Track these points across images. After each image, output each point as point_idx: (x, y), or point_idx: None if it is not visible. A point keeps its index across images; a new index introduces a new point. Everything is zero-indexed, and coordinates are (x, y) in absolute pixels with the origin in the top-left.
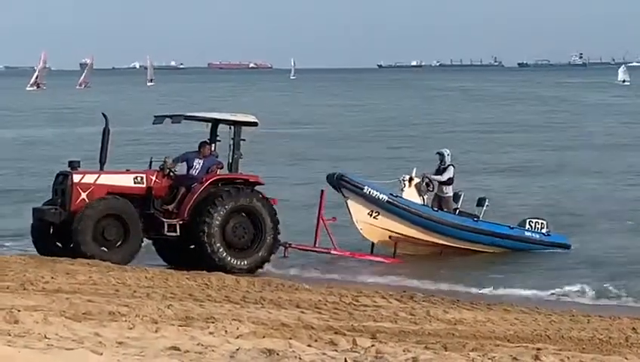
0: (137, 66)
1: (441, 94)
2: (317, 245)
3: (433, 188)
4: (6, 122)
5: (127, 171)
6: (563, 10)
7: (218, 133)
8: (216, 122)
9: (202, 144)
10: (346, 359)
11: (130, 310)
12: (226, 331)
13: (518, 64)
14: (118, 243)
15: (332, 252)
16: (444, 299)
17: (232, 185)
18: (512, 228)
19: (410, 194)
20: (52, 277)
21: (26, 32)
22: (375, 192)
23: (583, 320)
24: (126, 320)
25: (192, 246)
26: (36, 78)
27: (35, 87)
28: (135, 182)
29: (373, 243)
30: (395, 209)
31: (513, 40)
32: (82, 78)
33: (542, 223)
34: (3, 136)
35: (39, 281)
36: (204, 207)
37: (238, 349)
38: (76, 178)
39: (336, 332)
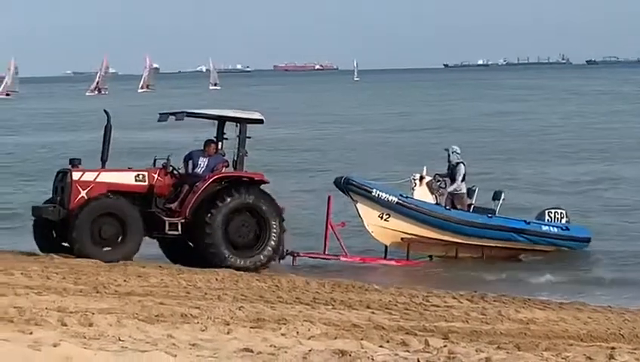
0: (203, 70)
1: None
2: (326, 252)
3: (445, 185)
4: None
5: (129, 169)
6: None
7: (225, 131)
8: (221, 119)
9: (207, 142)
10: (418, 359)
11: (201, 312)
12: (297, 332)
13: (587, 61)
14: (116, 243)
15: (342, 258)
16: (516, 298)
17: (236, 183)
18: (529, 222)
19: (422, 194)
20: (124, 280)
21: (93, 37)
22: (384, 194)
23: None
24: (198, 322)
25: (195, 245)
26: (97, 82)
27: (95, 92)
28: (137, 180)
29: (386, 247)
30: (405, 210)
31: (581, 37)
32: (143, 81)
33: (561, 213)
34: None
35: (111, 284)
36: (207, 205)
37: (310, 350)
38: (76, 175)
39: (407, 333)
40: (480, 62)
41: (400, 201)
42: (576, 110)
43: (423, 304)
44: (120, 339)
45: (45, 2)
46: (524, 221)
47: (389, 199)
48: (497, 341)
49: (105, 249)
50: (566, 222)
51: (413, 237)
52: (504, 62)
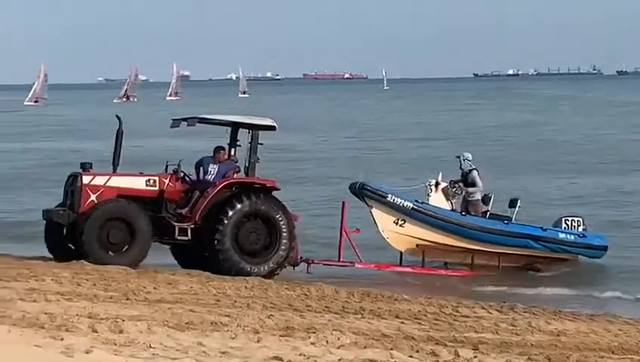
0: (233, 77)
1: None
2: (341, 258)
3: (461, 191)
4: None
5: (140, 174)
6: None
7: (239, 138)
8: (233, 126)
9: (217, 149)
10: None
11: (231, 320)
12: (327, 341)
13: (617, 72)
14: (125, 247)
15: (356, 265)
16: (546, 309)
17: (247, 189)
18: (545, 229)
19: (437, 200)
20: (154, 288)
21: (126, 45)
22: (399, 200)
23: None
24: (228, 330)
25: (205, 251)
26: (126, 90)
27: (124, 99)
28: (147, 185)
29: (401, 253)
30: (421, 216)
31: (612, 48)
32: (171, 89)
33: (578, 221)
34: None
35: (141, 291)
36: (217, 211)
37: (340, 360)
38: (86, 179)
39: (437, 343)
40: (510, 72)
41: (415, 207)
42: (607, 122)
43: (453, 314)
44: (151, 346)
45: (78, 7)
46: (541, 228)
47: (405, 205)
48: (528, 352)
49: (112, 253)
50: (583, 229)
51: (429, 243)
52: (535, 72)
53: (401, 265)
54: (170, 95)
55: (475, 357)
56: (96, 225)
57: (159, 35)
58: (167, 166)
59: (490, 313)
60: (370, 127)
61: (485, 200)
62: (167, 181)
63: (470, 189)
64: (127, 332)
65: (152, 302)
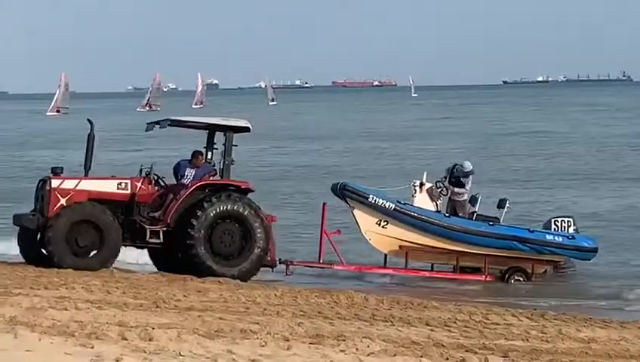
0: (262, 86)
1: None
2: (322, 260)
3: (447, 192)
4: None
5: (112, 177)
6: None
7: (215, 141)
8: (205, 128)
9: (195, 153)
10: None
11: (261, 327)
12: (357, 349)
13: None
14: (94, 251)
15: (335, 267)
16: (576, 316)
17: (221, 191)
18: (532, 231)
19: (422, 201)
20: (184, 295)
21: (154, 54)
22: (381, 200)
23: None
24: (258, 338)
25: (178, 253)
26: (148, 98)
27: (146, 108)
28: (119, 188)
29: (385, 255)
30: (403, 217)
31: None
32: (197, 97)
33: (568, 221)
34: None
35: (171, 299)
36: (189, 214)
37: None
38: (55, 183)
39: (467, 351)
40: (540, 78)
41: (398, 208)
42: None
43: (483, 321)
44: (180, 354)
45: (109, 16)
46: (528, 229)
47: (387, 205)
48: (558, 360)
49: (81, 256)
50: (574, 230)
51: (412, 245)
52: (564, 79)
53: (385, 266)
54: (196, 103)
55: None
56: (64, 229)
57: (190, 44)
58: (141, 169)
59: (521, 320)
60: (393, 133)
61: (472, 201)
62: (139, 184)
63: (457, 189)
64: (156, 340)
65: (181, 310)
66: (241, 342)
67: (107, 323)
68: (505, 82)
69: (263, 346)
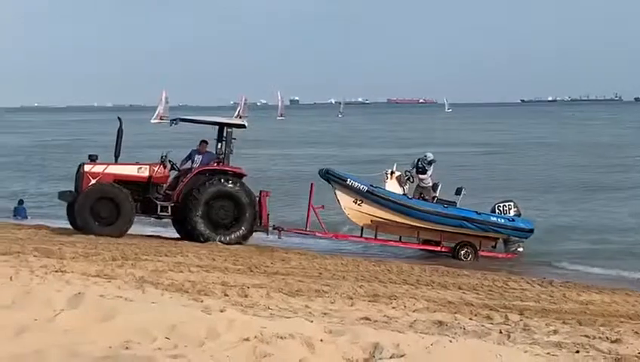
0: (333, 102)
1: None
2: (307, 228)
3: (413, 180)
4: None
5: (135, 163)
6: None
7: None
8: (209, 124)
9: (201, 142)
10: (500, 330)
11: (331, 288)
12: (405, 306)
13: (635, 98)
14: (112, 220)
15: (317, 234)
16: (577, 284)
17: (219, 174)
18: (480, 213)
19: (392, 186)
20: (271, 263)
21: (244, 70)
22: (357, 183)
23: None
24: (328, 296)
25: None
26: (239, 112)
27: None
28: (139, 172)
29: (362, 227)
30: (374, 197)
31: (633, 75)
32: (280, 110)
33: (509, 205)
34: None
35: (262, 265)
36: (192, 192)
37: (415, 320)
38: (87, 167)
39: (491, 309)
40: (550, 98)
41: (370, 190)
42: None
43: (503, 286)
44: (269, 308)
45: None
46: (476, 212)
47: (361, 188)
48: (563, 317)
49: (102, 225)
50: (515, 213)
51: (381, 220)
52: (569, 99)
53: (361, 236)
54: (279, 116)
55: (520, 320)
56: (90, 203)
57: (277, 69)
58: (161, 156)
59: (533, 286)
60: (426, 140)
61: (434, 187)
62: (156, 168)
63: (421, 176)
64: (251, 297)
65: (269, 274)
66: (315, 299)
67: (213, 282)
68: (523, 101)
69: (332, 303)
